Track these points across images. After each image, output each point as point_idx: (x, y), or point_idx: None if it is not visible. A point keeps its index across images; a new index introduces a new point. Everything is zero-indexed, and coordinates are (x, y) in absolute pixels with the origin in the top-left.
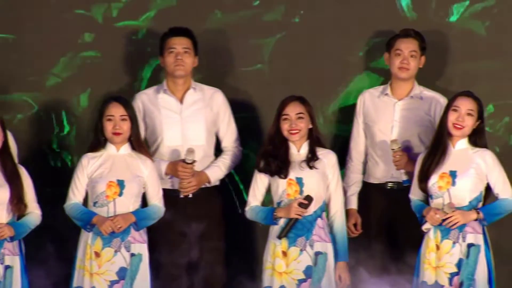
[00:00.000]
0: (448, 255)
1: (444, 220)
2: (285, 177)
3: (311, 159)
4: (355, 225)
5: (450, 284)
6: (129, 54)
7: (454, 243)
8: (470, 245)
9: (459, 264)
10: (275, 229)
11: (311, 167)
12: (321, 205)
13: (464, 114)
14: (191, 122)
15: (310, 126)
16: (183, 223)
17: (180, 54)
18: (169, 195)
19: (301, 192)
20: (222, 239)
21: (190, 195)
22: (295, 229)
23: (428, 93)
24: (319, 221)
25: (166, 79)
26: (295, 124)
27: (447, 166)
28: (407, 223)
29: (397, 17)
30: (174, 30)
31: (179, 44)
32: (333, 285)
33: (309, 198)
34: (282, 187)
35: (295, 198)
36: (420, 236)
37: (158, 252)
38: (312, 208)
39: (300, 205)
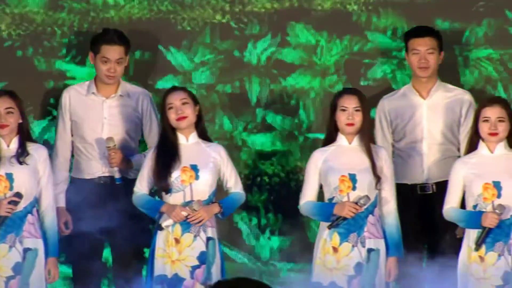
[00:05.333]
0: (189, 249)
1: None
2: None
3: (21, 154)
4: (65, 223)
5: (192, 277)
6: None
7: (195, 236)
8: (208, 238)
9: (200, 257)
10: None
11: (21, 163)
12: (32, 201)
13: (179, 107)
14: None
15: (20, 121)
16: None
17: None
18: None
19: (11, 187)
20: None
21: None
22: (6, 226)
23: (134, 89)
24: (29, 217)
25: None
26: (4, 119)
27: (186, 160)
28: (123, 217)
29: None
30: None
31: None
32: (42, 280)
33: (18, 195)
34: None
35: (4, 194)
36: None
37: None
38: (23, 204)
39: (10, 202)
